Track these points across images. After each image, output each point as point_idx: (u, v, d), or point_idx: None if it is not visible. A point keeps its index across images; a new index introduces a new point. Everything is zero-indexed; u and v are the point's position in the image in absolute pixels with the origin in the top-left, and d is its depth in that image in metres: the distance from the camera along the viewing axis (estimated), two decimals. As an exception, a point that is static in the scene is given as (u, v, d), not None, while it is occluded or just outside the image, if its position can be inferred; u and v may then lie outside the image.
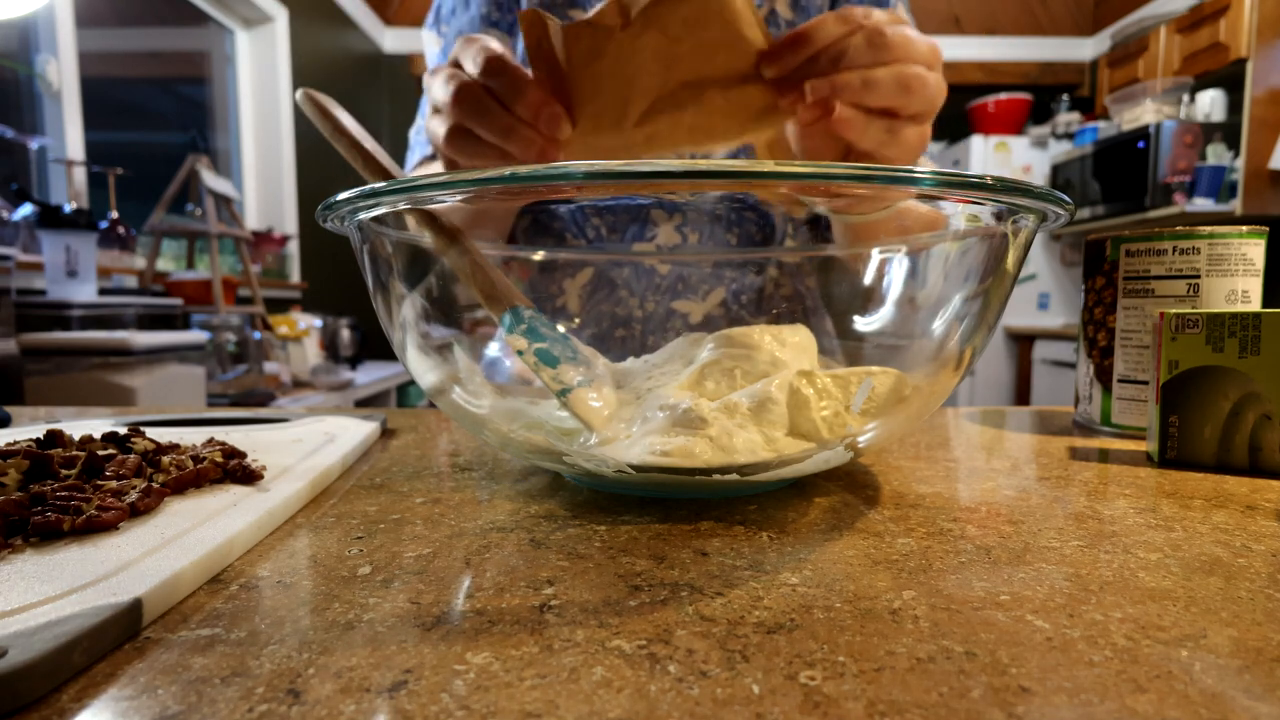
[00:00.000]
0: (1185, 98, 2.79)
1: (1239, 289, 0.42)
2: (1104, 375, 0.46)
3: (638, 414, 0.30)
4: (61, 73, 1.80)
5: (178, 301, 1.79)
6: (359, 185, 0.26)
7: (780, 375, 0.31)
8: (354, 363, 2.68)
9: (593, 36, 0.36)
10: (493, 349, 0.39)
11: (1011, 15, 3.60)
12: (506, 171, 0.22)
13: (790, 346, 0.33)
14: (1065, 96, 3.46)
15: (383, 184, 0.25)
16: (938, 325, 0.30)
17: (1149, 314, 0.43)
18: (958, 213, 0.29)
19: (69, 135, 1.83)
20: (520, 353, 0.32)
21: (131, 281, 1.88)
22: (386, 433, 0.46)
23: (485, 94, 0.37)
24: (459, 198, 0.25)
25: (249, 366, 1.89)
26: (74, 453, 0.28)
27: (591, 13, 0.36)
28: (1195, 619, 0.19)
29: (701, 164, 0.21)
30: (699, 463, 0.27)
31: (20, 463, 0.26)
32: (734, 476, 0.27)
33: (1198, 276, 0.42)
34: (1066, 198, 0.26)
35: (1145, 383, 0.44)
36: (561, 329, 0.35)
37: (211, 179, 1.91)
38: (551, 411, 0.34)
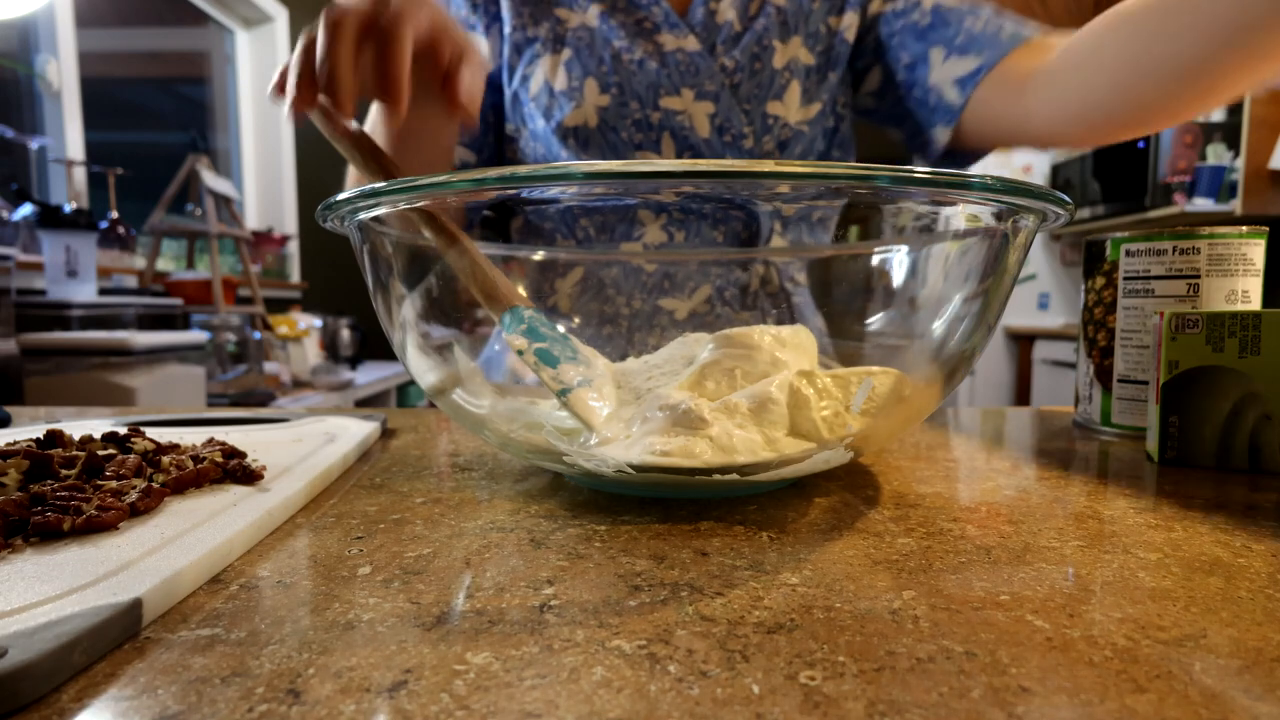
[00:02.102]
0: (1185, 98, 2.79)
1: (1239, 289, 0.42)
2: (1104, 375, 0.46)
3: (638, 414, 0.30)
4: (61, 73, 1.80)
5: (178, 301, 1.79)
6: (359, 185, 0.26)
7: (780, 375, 0.31)
8: (354, 363, 2.67)
9: None
10: (493, 349, 0.39)
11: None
12: (507, 172, 0.22)
13: (790, 347, 0.33)
14: (1065, 96, 3.45)
15: (383, 184, 0.25)
16: (938, 325, 0.30)
17: (1149, 314, 0.43)
18: (957, 213, 0.29)
19: (69, 135, 1.83)
20: (520, 353, 0.32)
21: (131, 281, 1.88)
22: (386, 433, 0.46)
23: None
24: (459, 197, 0.25)
25: (249, 366, 1.89)
26: (74, 453, 0.28)
27: None
28: (1195, 619, 0.19)
29: (701, 164, 0.21)
30: (699, 463, 0.27)
31: (20, 463, 0.26)
32: (734, 476, 0.27)
33: (1198, 276, 0.42)
34: (1066, 198, 0.26)
35: (1145, 383, 0.44)
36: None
37: (211, 179, 1.91)
38: (551, 411, 0.34)
